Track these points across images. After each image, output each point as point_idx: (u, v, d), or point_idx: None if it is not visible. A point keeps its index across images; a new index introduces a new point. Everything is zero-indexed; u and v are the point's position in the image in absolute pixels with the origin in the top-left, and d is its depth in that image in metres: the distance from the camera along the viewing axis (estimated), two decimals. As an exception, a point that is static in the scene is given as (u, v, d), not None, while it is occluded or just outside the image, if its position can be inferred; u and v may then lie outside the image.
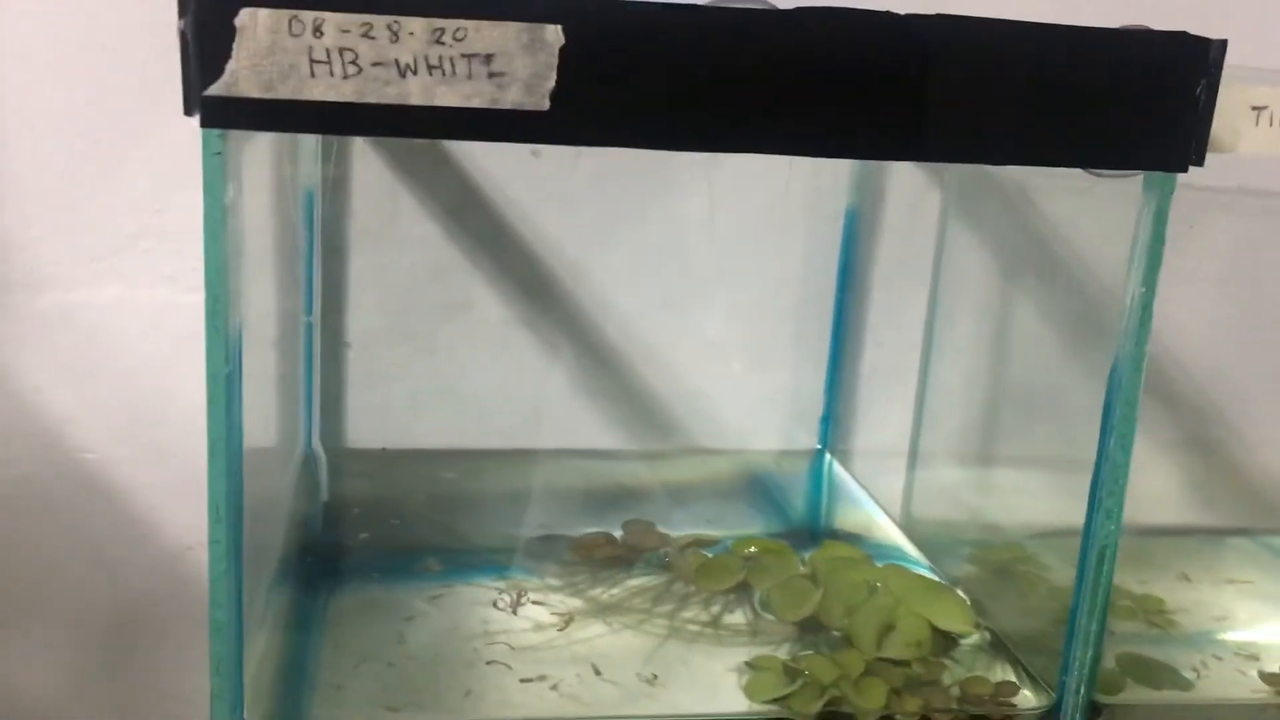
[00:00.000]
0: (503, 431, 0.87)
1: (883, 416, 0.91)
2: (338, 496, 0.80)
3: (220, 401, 0.45)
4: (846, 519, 0.86)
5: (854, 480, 0.88)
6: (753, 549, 0.72)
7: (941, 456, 0.88)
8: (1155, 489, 0.96)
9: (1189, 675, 0.69)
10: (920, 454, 0.89)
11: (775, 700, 0.57)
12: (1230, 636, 0.75)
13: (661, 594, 0.68)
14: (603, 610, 0.66)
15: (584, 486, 0.85)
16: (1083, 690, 0.58)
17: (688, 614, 0.66)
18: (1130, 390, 0.56)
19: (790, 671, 0.60)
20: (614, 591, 0.69)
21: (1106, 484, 0.57)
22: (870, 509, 0.85)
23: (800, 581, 0.68)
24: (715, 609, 0.67)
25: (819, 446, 0.91)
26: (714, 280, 0.88)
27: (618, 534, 0.75)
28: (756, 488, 0.89)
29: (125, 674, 0.84)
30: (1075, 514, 0.62)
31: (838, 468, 0.90)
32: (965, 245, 0.87)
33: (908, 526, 0.84)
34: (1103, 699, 0.64)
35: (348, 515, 0.79)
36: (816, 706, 0.56)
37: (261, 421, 0.68)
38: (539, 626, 0.64)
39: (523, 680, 0.58)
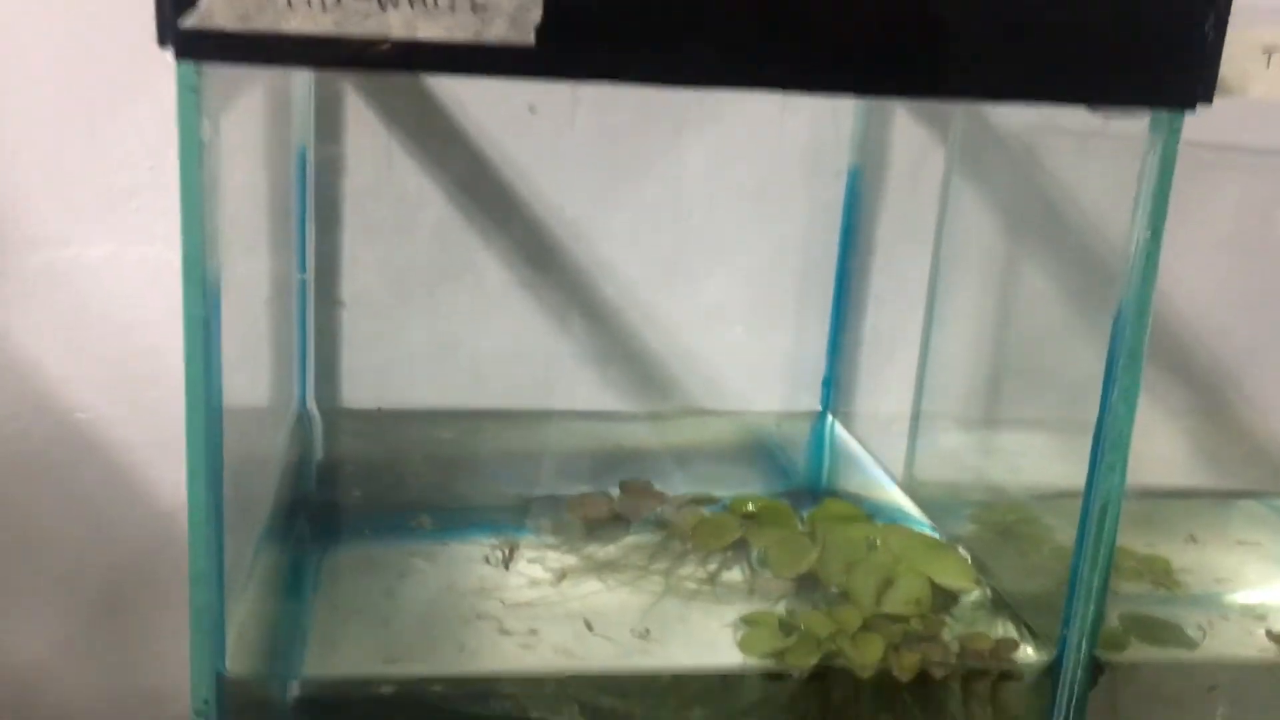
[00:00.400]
0: (501, 392, 0.86)
1: (886, 378, 0.90)
2: (332, 456, 0.80)
3: (197, 346, 0.44)
4: (848, 481, 0.85)
5: (856, 442, 0.87)
6: (751, 507, 0.71)
7: (944, 418, 0.87)
8: (1163, 452, 0.95)
9: (1194, 634, 0.68)
10: (923, 416, 0.87)
11: (770, 655, 0.56)
12: (1238, 597, 0.74)
13: (658, 552, 0.68)
14: (598, 568, 0.65)
15: (583, 448, 0.84)
16: (1084, 646, 0.57)
17: (684, 571, 0.65)
18: (1135, 339, 0.54)
19: (786, 627, 0.59)
20: (610, 549, 0.68)
21: (1109, 436, 0.55)
22: (872, 470, 0.84)
23: (798, 538, 0.67)
24: (712, 566, 0.66)
25: (821, 409, 0.90)
26: (715, 241, 0.87)
27: (615, 494, 0.74)
28: (757, 450, 0.88)
29: (117, 633, 0.84)
30: (1080, 476, 0.60)
31: (840, 430, 0.89)
32: (969, 203, 0.85)
33: (910, 488, 0.83)
34: (1105, 656, 0.63)
35: (342, 474, 0.78)
36: (812, 660, 0.55)
37: (251, 378, 0.67)
38: (534, 583, 0.63)
39: (513, 634, 0.57)
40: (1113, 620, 0.68)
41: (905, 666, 0.55)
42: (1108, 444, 0.55)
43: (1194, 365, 0.94)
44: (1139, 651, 0.65)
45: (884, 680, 0.56)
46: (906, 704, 0.56)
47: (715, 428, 0.89)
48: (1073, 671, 0.57)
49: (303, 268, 0.79)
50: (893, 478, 0.83)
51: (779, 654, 0.56)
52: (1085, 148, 0.69)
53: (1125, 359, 0.54)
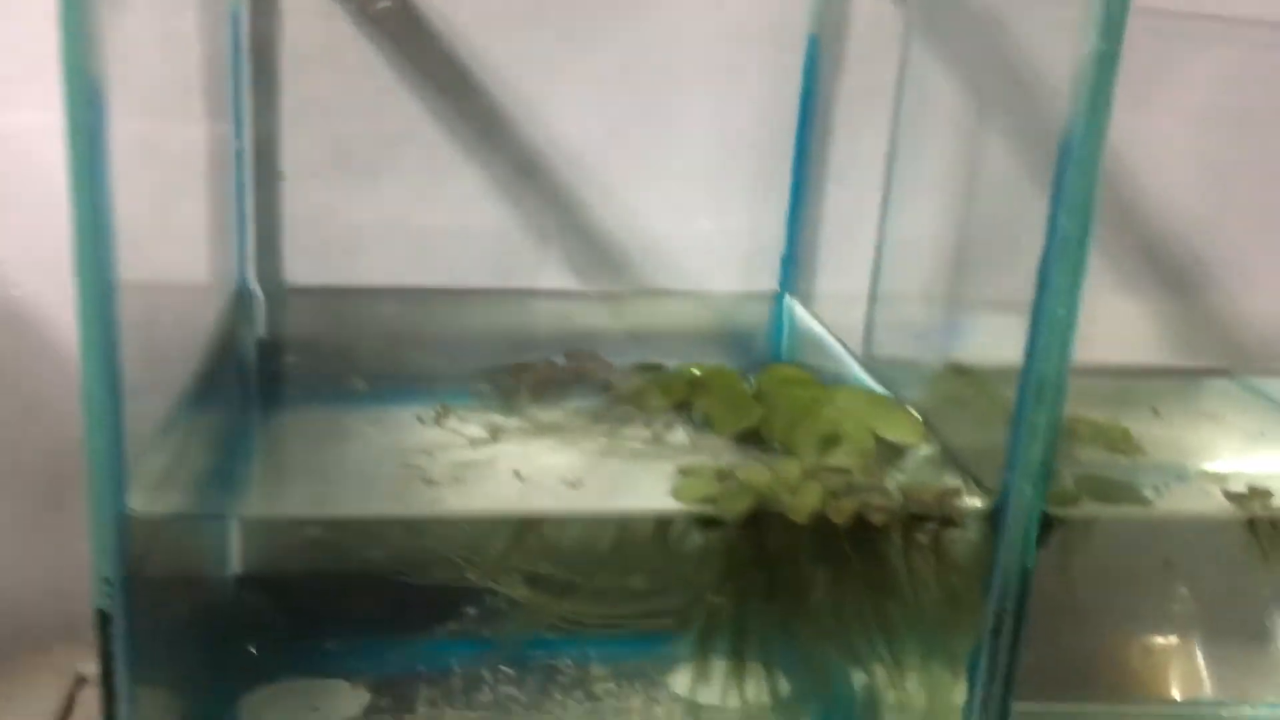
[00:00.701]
0: (451, 270, 0.84)
1: (846, 256, 0.88)
2: (275, 331, 0.78)
3: (83, 158, 0.42)
4: (806, 359, 0.83)
5: (815, 321, 0.85)
6: (697, 372, 0.69)
7: (904, 296, 0.85)
8: (1133, 331, 0.93)
9: (1150, 495, 0.66)
10: (881, 294, 0.85)
11: (703, 501, 0.55)
12: (1198, 465, 0.73)
13: (601, 414, 0.66)
14: (539, 429, 0.64)
15: (536, 326, 0.82)
16: (1030, 492, 0.55)
17: (627, 431, 0.64)
18: (1086, 161, 0.52)
19: (723, 476, 0.57)
20: (554, 413, 0.66)
21: (1057, 261, 0.53)
22: (831, 349, 0.82)
23: (742, 398, 0.65)
24: (656, 428, 0.64)
25: (779, 288, 0.88)
26: (669, 114, 0.84)
27: (561, 363, 0.72)
28: (715, 330, 0.86)
29: (58, 522, 0.82)
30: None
31: (798, 309, 0.87)
32: (929, 73, 0.82)
33: (868, 365, 0.81)
34: (1056, 512, 0.61)
35: (285, 349, 0.76)
36: (744, 505, 0.53)
37: (181, 247, 0.66)
38: (473, 442, 0.62)
39: (440, 484, 0.56)
40: (1067, 482, 0.66)
41: (842, 511, 0.54)
42: (1054, 268, 0.53)
43: (1163, 244, 0.92)
44: (1091, 508, 0.63)
45: (822, 527, 0.54)
46: (845, 551, 0.55)
47: (671, 308, 0.87)
48: (1019, 518, 0.55)
49: (239, 135, 0.76)
50: (852, 355, 0.81)
51: (712, 500, 0.54)
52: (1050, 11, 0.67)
53: (1076, 180, 0.52)
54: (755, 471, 0.57)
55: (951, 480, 0.60)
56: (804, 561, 0.54)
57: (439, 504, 0.54)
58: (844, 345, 0.82)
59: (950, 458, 0.63)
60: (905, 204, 0.84)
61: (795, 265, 0.88)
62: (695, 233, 0.87)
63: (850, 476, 0.58)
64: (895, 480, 0.59)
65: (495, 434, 0.61)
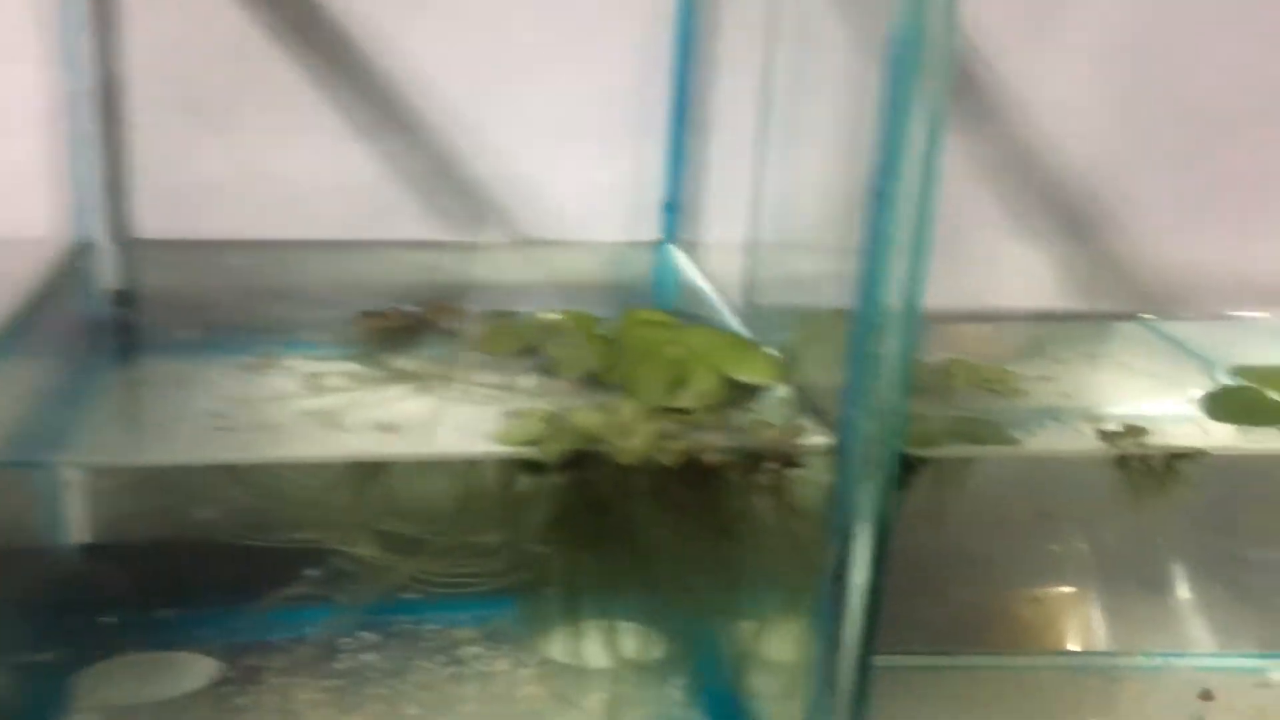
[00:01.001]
0: (313, 221, 0.80)
1: (729, 203, 0.84)
2: (127, 283, 0.74)
3: None
4: (688, 309, 0.80)
5: (697, 272, 0.82)
6: (553, 316, 0.66)
7: (785, 243, 0.81)
8: (1035, 275, 0.90)
9: (1021, 436, 0.64)
10: (762, 241, 0.82)
11: (527, 443, 0.51)
12: (1080, 406, 0.70)
13: (449, 361, 0.62)
14: (383, 377, 0.60)
15: (401, 278, 0.79)
16: (870, 427, 0.52)
17: (478, 378, 0.60)
18: (911, 61, 0.48)
19: (553, 419, 0.54)
20: (399, 360, 0.63)
21: (888, 166, 0.50)
22: (711, 298, 0.79)
23: (589, 341, 0.62)
24: (508, 374, 0.61)
25: (661, 237, 0.84)
26: (541, 52, 0.81)
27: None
28: (595, 280, 0.83)
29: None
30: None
31: (680, 258, 0.83)
32: (809, 9, 0.79)
33: (748, 314, 0.78)
34: (914, 452, 0.58)
35: (135, 301, 0.72)
36: (565, 447, 0.50)
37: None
38: (313, 392, 0.58)
39: (235, 430, 0.52)
40: (937, 424, 0.64)
41: (672, 453, 0.51)
42: (888, 169, 0.50)
43: (1065, 186, 0.89)
44: (954, 449, 0.60)
45: (653, 470, 0.51)
46: (680, 495, 0.52)
47: (549, 258, 0.83)
48: (866, 455, 0.52)
49: (82, 79, 0.72)
50: (731, 304, 0.78)
51: (535, 443, 0.51)
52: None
53: (900, 102, 0.49)
54: (587, 414, 0.54)
55: (802, 420, 0.57)
56: (635, 507, 0.51)
57: (251, 451, 0.51)
58: (724, 294, 0.79)
59: (807, 399, 0.60)
60: (785, 147, 0.81)
61: (679, 213, 0.84)
62: (573, 180, 0.84)
63: (692, 417, 0.55)
64: (743, 421, 0.56)
65: (317, 382, 0.57)
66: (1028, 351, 0.80)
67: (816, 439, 0.54)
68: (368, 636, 0.66)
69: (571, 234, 0.84)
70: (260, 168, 0.78)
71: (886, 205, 0.50)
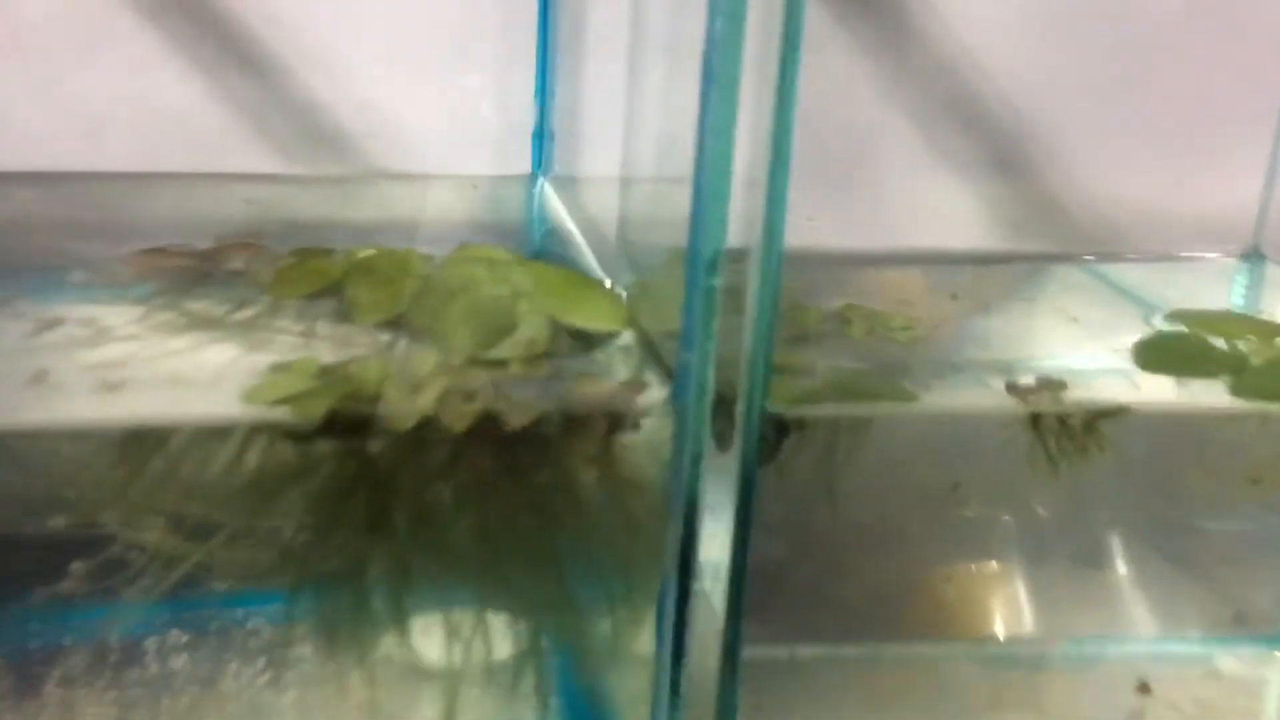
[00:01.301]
0: (124, 153, 0.69)
1: (605, 134, 0.74)
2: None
3: None
4: (557, 249, 0.70)
5: (562, 207, 0.72)
6: (365, 254, 0.55)
7: (659, 177, 0.71)
8: (956, 211, 0.80)
9: (918, 391, 0.54)
10: (635, 176, 0.72)
11: (281, 403, 0.41)
12: (995, 357, 0.60)
13: (241, 305, 0.52)
14: (140, 321, 0.50)
15: (209, 214, 0.68)
16: (709, 377, 0.42)
17: (254, 324, 0.50)
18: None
19: (326, 374, 0.43)
20: (185, 304, 0.52)
21: (715, 82, 0.40)
22: (576, 240, 0.68)
23: (400, 282, 0.51)
24: (289, 320, 0.51)
25: (533, 170, 0.74)
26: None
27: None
28: (453, 220, 0.72)
29: None
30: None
31: (550, 195, 0.73)
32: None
33: (620, 255, 0.67)
34: (785, 411, 0.48)
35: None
36: (323, 408, 0.40)
37: None
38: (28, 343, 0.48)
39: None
40: (820, 378, 0.54)
41: (462, 415, 0.41)
42: (712, 117, 0.40)
43: (989, 111, 0.79)
44: (829, 408, 0.51)
45: (442, 436, 0.41)
46: (478, 461, 0.41)
47: (397, 194, 0.73)
48: (700, 410, 0.42)
49: None
50: (600, 248, 0.68)
51: (290, 401, 0.41)
52: None
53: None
54: (371, 367, 0.43)
55: (644, 374, 0.47)
56: (420, 480, 0.41)
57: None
58: (594, 233, 0.69)
59: (656, 350, 0.50)
60: (660, 70, 0.70)
61: (553, 144, 0.74)
62: (432, 106, 0.73)
63: (509, 370, 0.45)
64: (571, 374, 0.46)
65: (41, 331, 0.47)
66: (942, 297, 0.70)
67: (653, 396, 0.44)
68: (170, 637, 0.56)
69: (430, 167, 0.74)
70: (57, 89, 0.67)
71: (713, 121, 0.39)
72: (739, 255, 0.49)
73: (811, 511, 0.57)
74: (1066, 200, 0.81)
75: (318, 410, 0.40)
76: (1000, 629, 0.64)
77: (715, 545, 0.47)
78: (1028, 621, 0.65)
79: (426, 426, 0.41)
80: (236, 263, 0.56)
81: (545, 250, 0.67)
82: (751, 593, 0.52)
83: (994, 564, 0.64)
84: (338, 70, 0.71)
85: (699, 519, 0.43)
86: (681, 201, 0.65)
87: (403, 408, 0.41)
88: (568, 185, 0.73)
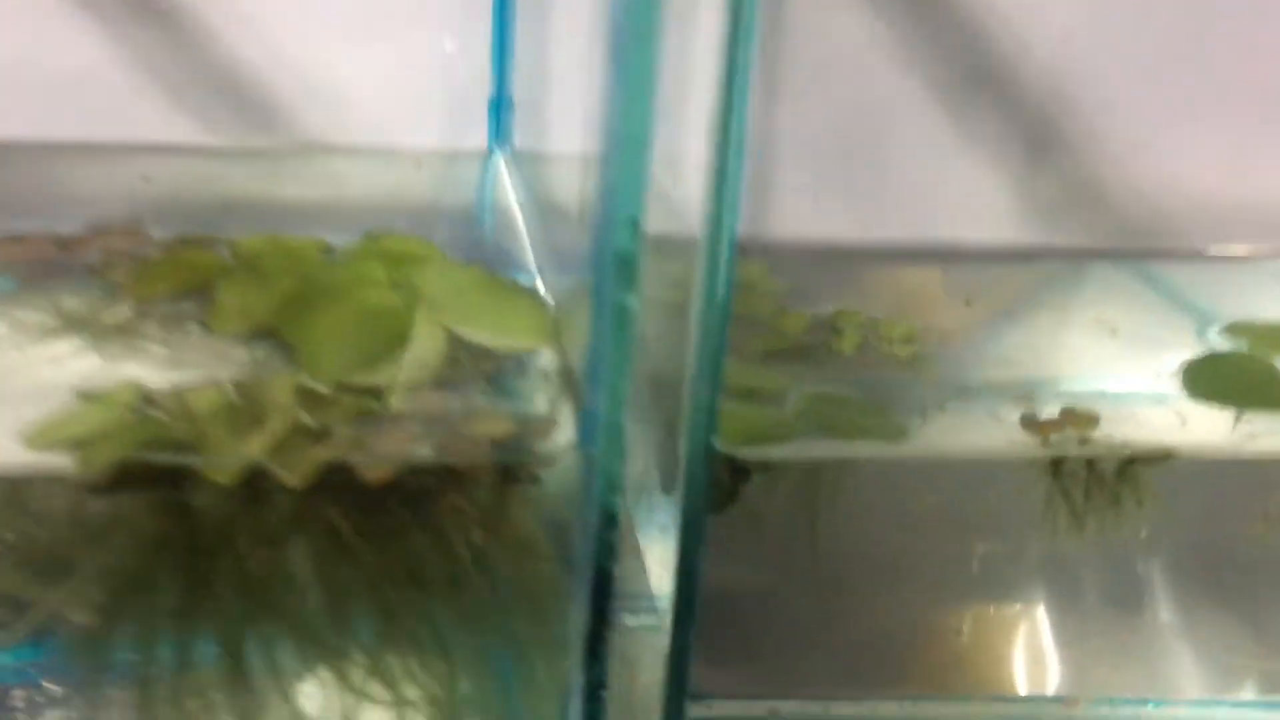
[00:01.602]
0: (26, 120, 0.61)
1: (570, 103, 0.65)
2: None
3: None
4: (510, 240, 0.60)
5: (523, 191, 0.62)
6: (255, 244, 0.46)
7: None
8: (984, 201, 0.71)
9: (913, 423, 0.44)
10: (594, 155, 0.62)
11: (69, 449, 0.32)
12: (1012, 379, 0.50)
13: (100, 306, 0.43)
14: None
15: (116, 194, 0.59)
16: (619, 419, 0.33)
17: (145, 330, 0.41)
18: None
19: (151, 407, 0.34)
20: (20, 305, 0.43)
21: (629, 39, 0.30)
22: (518, 227, 0.59)
23: (274, 282, 0.42)
24: (150, 326, 0.42)
25: (489, 145, 0.65)
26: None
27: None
28: (400, 199, 0.63)
29: None
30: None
31: (504, 174, 0.64)
32: None
33: (567, 252, 0.58)
34: (735, 451, 0.39)
35: None
36: (114, 454, 0.31)
37: None
38: None
39: None
40: (793, 405, 0.44)
41: (295, 467, 0.31)
42: (624, 79, 0.30)
43: (1023, 91, 0.69)
44: (800, 448, 0.41)
45: (273, 490, 0.32)
46: (316, 521, 0.32)
47: (335, 171, 0.64)
48: (612, 465, 0.33)
49: None
50: (547, 237, 0.58)
51: (80, 446, 0.32)
52: None
53: None
54: (204, 397, 0.34)
55: (559, 407, 0.37)
56: (248, 547, 0.32)
57: None
58: (547, 219, 0.59)
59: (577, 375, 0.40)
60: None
61: (510, 116, 0.65)
62: (375, 68, 0.64)
63: (380, 403, 0.36)
64: (464, 408, 0.37)
65: None
66: (959, 299, 0.60)
67: (564, 437, 0.35)
68: (47, 690, 0.48)
69: (372, 140, 0.65)
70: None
71: (625, 81, 0.30)
72: (684, 251, 0.40)
73: (789, 560, 0.48)
74: (1109, 187, 0.72)
75: (103, 458, 0.31)
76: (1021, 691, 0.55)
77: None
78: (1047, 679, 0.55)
79: (259, 479, 0.31)
80: (104, 254, 0.47)
81: (489, 241, 0.57)
82: (724, 641, 0.43)
83: (996, 628, 0.54)
84: (266, 26, 0.62)
85: (610, 598, 0.33)
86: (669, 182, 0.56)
87: (223, 456, 0.31)
88: (529, 162, 0.64)
